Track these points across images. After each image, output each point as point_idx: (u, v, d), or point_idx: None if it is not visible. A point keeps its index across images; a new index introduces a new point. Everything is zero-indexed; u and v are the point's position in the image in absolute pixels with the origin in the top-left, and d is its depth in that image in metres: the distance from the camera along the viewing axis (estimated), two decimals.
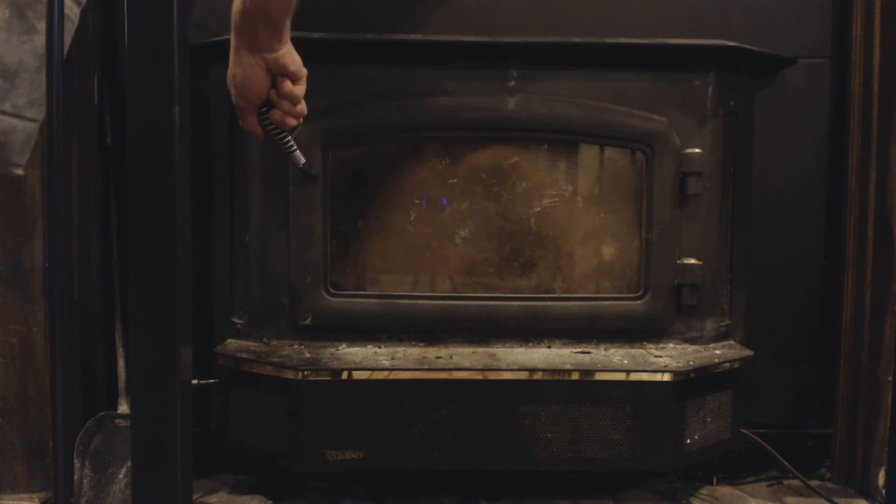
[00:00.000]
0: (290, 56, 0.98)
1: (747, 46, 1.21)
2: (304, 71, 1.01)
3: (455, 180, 1.23)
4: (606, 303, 1.22)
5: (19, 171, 1.01)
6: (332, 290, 1.21)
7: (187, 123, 0.78)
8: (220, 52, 1.20)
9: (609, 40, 1.19)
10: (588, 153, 1.25)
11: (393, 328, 1.23)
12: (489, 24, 1.28)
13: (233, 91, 1.01)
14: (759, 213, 1.32)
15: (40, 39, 0.93)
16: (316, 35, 1.16)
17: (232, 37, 0.97)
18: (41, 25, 0.93)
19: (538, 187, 1.23)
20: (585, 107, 1.19)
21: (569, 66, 1.20)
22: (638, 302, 1.21)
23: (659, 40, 1.20)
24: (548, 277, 1.25)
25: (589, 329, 1.23)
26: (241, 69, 0.98)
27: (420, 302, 1.21)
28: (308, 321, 1.19)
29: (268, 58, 0.96)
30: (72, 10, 1.01)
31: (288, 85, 1.00)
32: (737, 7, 1.30)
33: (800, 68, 1.31)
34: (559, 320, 1.21)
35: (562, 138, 1.22)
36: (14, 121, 0.95)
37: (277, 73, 0.99)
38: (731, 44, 1.19)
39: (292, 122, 1.04)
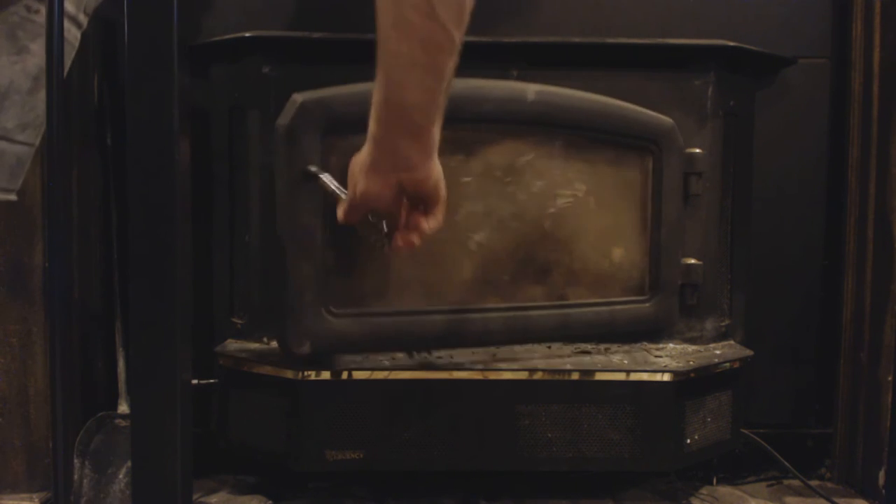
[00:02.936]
0: (431, 180, 0.78)
1: (747, 46, 1.21)
2: (444, 194, 0.82)
3: (469, 179, 1.19)
4: (619, 307, 1.18)
5: (12, 197, 0.99)
6: (333, 309, 1.04)
7: (187, 123, 0.78)
8: (220, 52, 1.21)
9: (609, 40, 1.19)
10: (595, 153, 1.21)
11: (402, 346, 1.13)
12: (489, 23, 1.28)
13: (350, 187, 0.83)
14: (759, 213, 1.32)
15: (32, 60, 0.92)
16: (316, 35, 1.16)
17: (367, 146, 0.78)
18: (34, 46, 0.91)
19: (541, 188, 1.20)
20: (596, 103, 1.15)
21: (569, 66, 1.20)
22: (646, 304, 1.20)
23: (659, 40, 1.20)
24: (560, 283, 1.18)
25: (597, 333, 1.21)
26: (366, 182, 0.79)
27: (430, 317, 1.10)
28: (307, 349, 1.03)
29: (405, 178, 0.77)
30: (71, 34, 1.00)
31: (423, 225, 0.83)
32: (737, 7, 1.30)
33: (800, 68, 1.31)
34: (578, 327, 1.17)
35: (566, 135, 1.17)
36: (3, 144, 0.94)
37: (412, 198, 0.81)
38: (731, 44, 1.19)
39: (400, 243, 0.85)
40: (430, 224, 0.82)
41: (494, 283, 1.14)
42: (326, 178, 0.95)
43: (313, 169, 0.97)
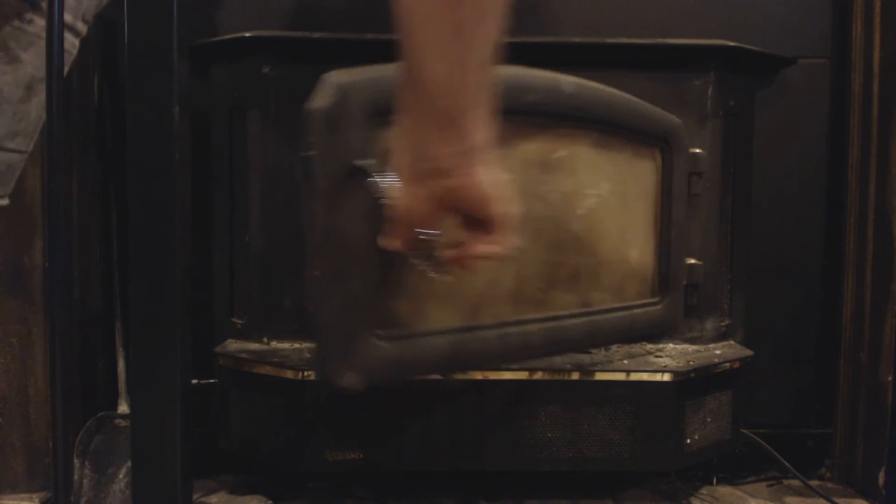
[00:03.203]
0: (474, 191, 0.58)
1: (747, 46, 1.21)
2: (507, 211, 0.61)
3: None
4: (638, 310, 1.13)
5: (3, 202, 1.00)
6: (379, 331, 0.84)
7: (187, 123, 0.78)
8: (220, 52, 1.20)
9: (609, 40, 1.19)
10: (613, 151, 1.13)
11: (452, 368, 1.01)
12: None
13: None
14: (759, 213, 1.32)
15: (25, 70, 0.91)
16: (316, 35, 1.16)
17: (394, 146, 0.61)
18: (26, 56, 0.91)
19: (568, 189, 1.09)
20: (620, 97, 1.09)
21: (569, 66, 1.19)
22: (658, 306, 1.17)
23: (659, 40, 1.20)
24: (586, 288, 1.09)
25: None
26: (398, 193, 0.61)
27: (481, 334, 0.93)
28: (352, 381, 0.81)
29: (440, 187, 0.58)
30: (68, 42, 0.99)
31: (478, 246, 0.62)
32: (737, 7, 1.30)
33: (800, 68, 1.31)
34: (605, 333, 1.12)
35: (592, 131, 1.08)
36: None
37: (465, 215, 0.61)
38: (731, 44, 1.19)
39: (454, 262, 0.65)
40: (484, 249, 0.62)
41: (533, 291, 1.02)
42: (381, 178, 0.71)
43: (363, 163, 0.75)
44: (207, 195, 1.25)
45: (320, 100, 0.79)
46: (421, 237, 0.64)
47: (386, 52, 1.26)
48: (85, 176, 1.24)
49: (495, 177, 0.59)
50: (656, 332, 1.21)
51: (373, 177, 0.73)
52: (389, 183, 0.66)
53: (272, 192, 1.19)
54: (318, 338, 0.83)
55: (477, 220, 0.61)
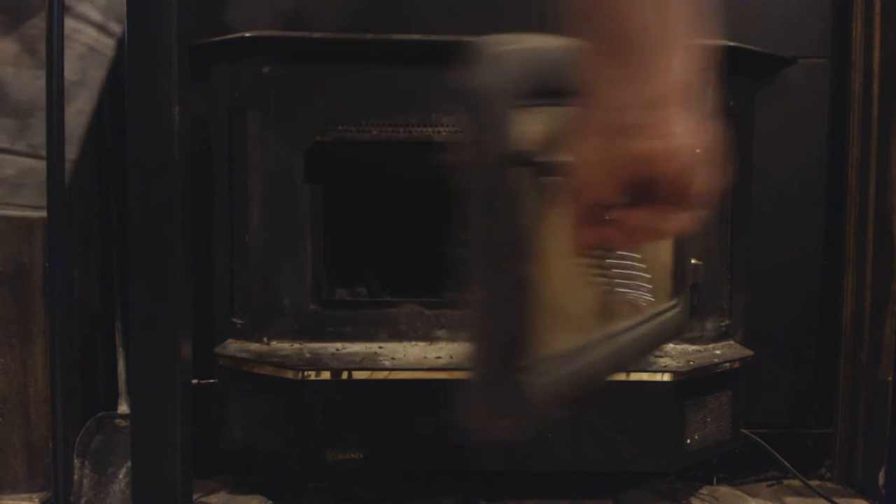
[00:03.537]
0: (674, 154, 0.45)
1: (747, 46, 1.21)
2: (704, 185, 0.48)
3: None
4: (667, 314, 1.05)
5: (44, 213, 0.93)
6: (531, 363, 0.62)
7: (187, 123, 0.78)
8: (220, 52, 1.20)
9: None
10: None
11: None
12: (487, 22, 1.28)
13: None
14: (759, 213, 1.32)
15: None
16: (316, 35, 1.16)
17: (576, 101, 0.49)
18: None
19: None
20: None
21: None
22: (677, 308, 1.16)
23: None
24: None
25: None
26: (576, 161, 0.48)
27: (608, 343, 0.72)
28: (514, 431, 0.63)
29: (628, 150, 0.45)
30: (101, 42, 0.96)
31: (661, 221, 0.49)
32: (737, 7, 1.30)
33: (800, 68, 1.31)
34: (648, 343, 1.02)
35: None
36: (31, 161, 0.91)
37: (643, 172, 0.46)
38: (731, 44, 1.19)
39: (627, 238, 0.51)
40: (672, 222, 0.49)
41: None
42: (553, 167, 0.55)
43: (532, 152, 0.57)
44: (207, 195, 1.25)
45: (484, 74, 0.60)
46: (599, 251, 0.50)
47: (385, 52, 1.26)
48: (85, 176, 1.24)
49: (694, 142, 0.46)
50: (677, 335, 1.20)
51: (543, 167, 0.57)
52: (563, 170, 0.52)
53: (272, 192, 1.19)
54: (475, 376, 0.62)
55: (662, 194, 0.47)
